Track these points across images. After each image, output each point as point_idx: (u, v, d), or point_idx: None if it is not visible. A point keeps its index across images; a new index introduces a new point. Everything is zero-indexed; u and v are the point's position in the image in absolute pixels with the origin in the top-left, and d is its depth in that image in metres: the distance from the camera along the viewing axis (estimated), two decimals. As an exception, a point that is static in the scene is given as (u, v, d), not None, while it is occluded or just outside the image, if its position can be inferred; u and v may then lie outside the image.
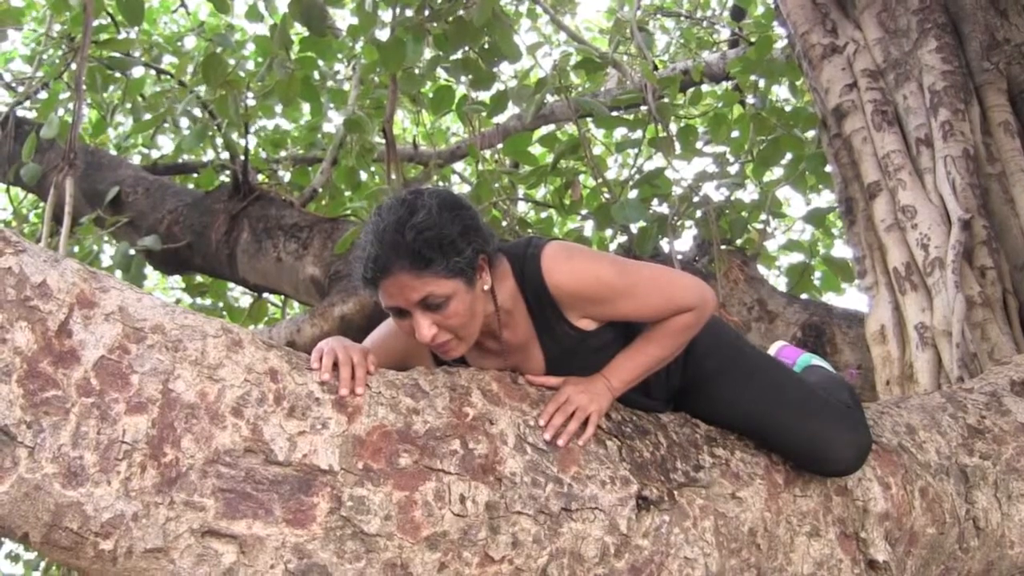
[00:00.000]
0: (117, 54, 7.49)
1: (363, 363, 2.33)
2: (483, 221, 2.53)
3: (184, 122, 7.92)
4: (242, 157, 7.28)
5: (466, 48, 6.29)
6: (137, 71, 8.38)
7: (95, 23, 7.00)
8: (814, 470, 2.76)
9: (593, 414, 2.48)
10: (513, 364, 2.66)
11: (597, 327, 2.64)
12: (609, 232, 7.01)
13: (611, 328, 2.67)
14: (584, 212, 7.21)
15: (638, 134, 7.03)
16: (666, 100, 7.01)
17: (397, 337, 2.64)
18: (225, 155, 7.68)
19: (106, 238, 7.69)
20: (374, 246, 2.36)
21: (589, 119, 7.56)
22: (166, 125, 8.36)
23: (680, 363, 2.81)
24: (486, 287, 2.49)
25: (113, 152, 9.19)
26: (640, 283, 2.58)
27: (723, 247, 6.08)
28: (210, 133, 7.45)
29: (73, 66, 7.18)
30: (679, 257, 6.04)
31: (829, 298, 7.57)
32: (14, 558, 9.64)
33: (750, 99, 8.39)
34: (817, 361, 3.40)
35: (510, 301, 2.57)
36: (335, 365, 2.29)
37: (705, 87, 9.88)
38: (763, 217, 6.68)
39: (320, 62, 7.40)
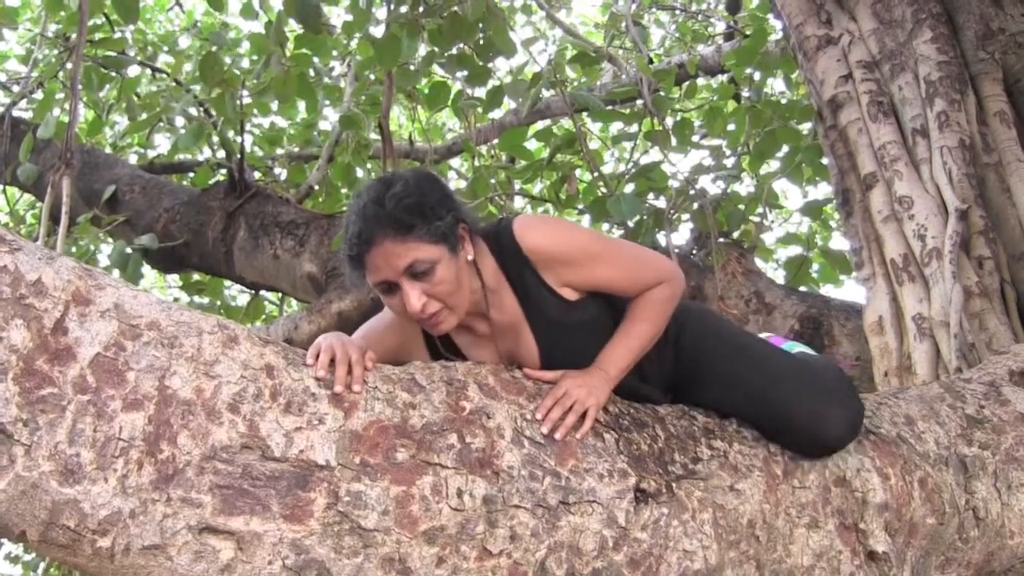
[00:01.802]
0: (112, 53, 7.49)
1: (360, 361, 2.32)
2: (461, 200, 2.58)
3: (180, 120, 7.91)
4: (238, 155, 7.28)
5: (461, 44, 6.29)
6: (132, 70, 8.38)
7: (90, 22, 7.00)
8: (809, 443, 2.73)
9: (591, 407, 2.48)
10: (506, 349, 2.68)
11: (579, 298, 2.68)
12: (606, 226, 7.01)
13: (592, 302, 2.71)
14: (580, 206, 7.21)
15: (634, 128, 7.03)
16: (662, 94, 7.00)
17: (391, 331, 2.67)
18: (221, 153, 7.69)
19: (103, 237, 7.69)
20: (356, 224, 2.42)
21: (585, 113, 7.57)
22: (162, 124, 8.36)
23: (672, 345, 2.83)
24: (470, 257, 2.53)
25: (109, 151, 9.19)
26: (612, 249, 2.66)
27: (720, 240, 6.08)
28: (206, 131, 7.44)
29: (68, 65, 7.17)
30: (676, 251, 6.03)
31: (827, 290, 7.57)
32: (14, 559, 9.65)
33: (745, 92, 8.39)
34: (801, 348, 3.41)
35: (493, 279, 2.62)
36: (332, 362, 2.28)
37: (701, 80, 9.90)
38: (760, 210, 6.67)
39: (315, 59, 7.40)
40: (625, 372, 2.65)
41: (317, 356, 2.29)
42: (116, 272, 6.79)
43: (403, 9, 6.19)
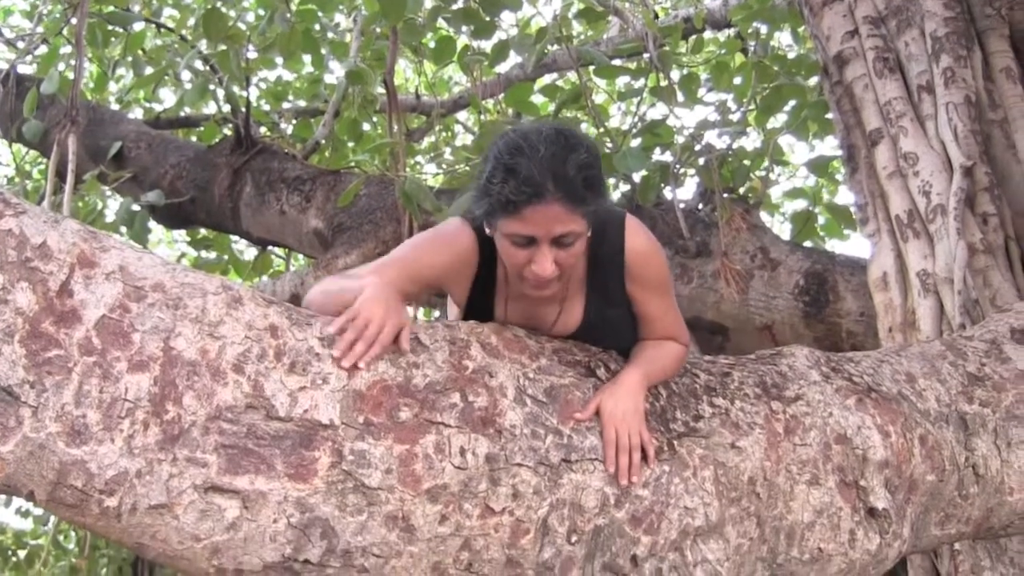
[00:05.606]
0: (117, 9, 7.48)
1: (387, 345, 2.27)
2: None
3: (185, 75, 7.90)
4: (244, 110, 7.27)
5: (466, -2, 6.28)
6: (137, 26, 8.35)
7: (94, -23, 6.98)
8: None
9: (638, 430, 2.45)
10: (552, 314, 2.68)
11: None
12: (612, 181, 7.01)
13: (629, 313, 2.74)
14: (587, 161, 7.18)
15: (640, 83, 7.01)
16: (668, 48, 6.97)
17: (442, 263, 2.60)
18: (227, 108, 7.67)
19: (109, 194, 7.70)
20: (528, 169, 2.28)
21: (591, 68, 7.54)
22: (167, 79, 8.34)
23: None
24: (588, 234, 2.48)
25: (114, 107, 9.18)
26: (672, 295, 2.75)
27: (726, 195, 6.06)
28: (212, 87, 7.42)
29: (73, 21, 7.16)
30: (681, 206, 6.03)
31: (833, 245, 7.56)
32: (24, 514, 9.71)
33: (752, 46, 8.35)
34: None
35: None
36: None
37: (707, 34, 9.84)
38: (765, 165, 6.66)
39: (321, 14, 7.37)
40: (648, 385, 2.61)
41: (353, 320, 2.27)
42: (123, 229, 6.81)
43: (408, -36, 6.16)
